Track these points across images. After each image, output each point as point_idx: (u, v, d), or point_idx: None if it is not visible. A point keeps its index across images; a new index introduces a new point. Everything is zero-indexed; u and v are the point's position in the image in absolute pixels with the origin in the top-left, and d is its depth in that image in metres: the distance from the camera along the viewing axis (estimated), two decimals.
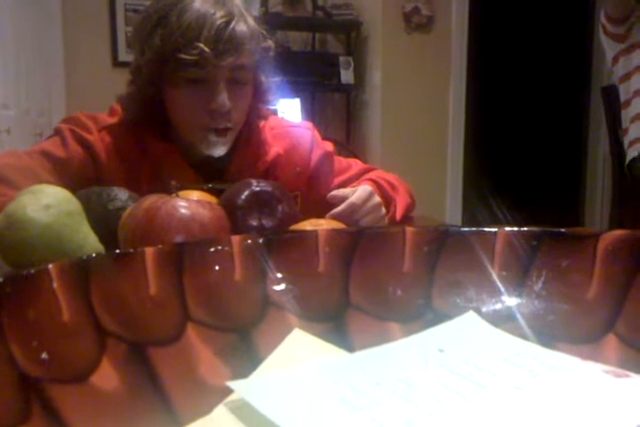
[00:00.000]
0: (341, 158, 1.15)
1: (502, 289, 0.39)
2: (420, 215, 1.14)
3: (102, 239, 0.60)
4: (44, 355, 0.29)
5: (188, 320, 0.35)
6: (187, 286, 0.36)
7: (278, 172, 1.03)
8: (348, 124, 3.67)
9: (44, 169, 0.91)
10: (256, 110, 1.01)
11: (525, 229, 0.41)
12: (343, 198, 0.90)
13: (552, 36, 4.18)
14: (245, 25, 0.91)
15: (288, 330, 0.37)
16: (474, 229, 0.42)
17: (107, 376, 0.30)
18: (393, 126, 3.39)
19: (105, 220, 0.64)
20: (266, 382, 0.31)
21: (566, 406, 0.28)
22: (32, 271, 0.32)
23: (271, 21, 1.03)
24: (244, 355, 0.35)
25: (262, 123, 1.05)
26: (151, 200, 0.56)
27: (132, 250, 0.36)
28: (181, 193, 0.66)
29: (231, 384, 0.30)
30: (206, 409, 0.30)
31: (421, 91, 3.41)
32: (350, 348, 0.36)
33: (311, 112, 3.49)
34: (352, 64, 3.50)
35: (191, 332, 0.35)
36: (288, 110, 3.17)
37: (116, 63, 3.34)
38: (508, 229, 0.41)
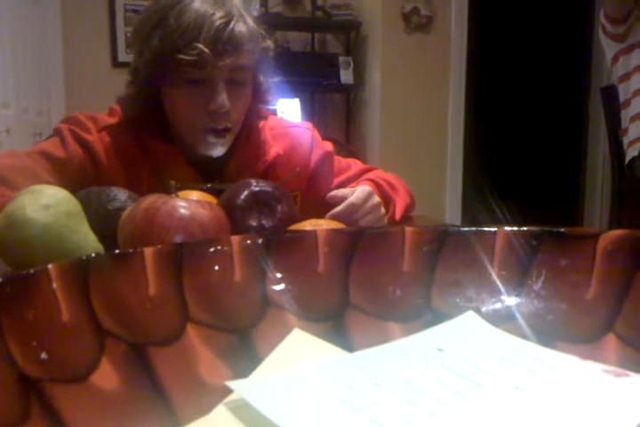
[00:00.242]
0: (341, 158, 1.15)
1: (502, 289, 0.39)
2: (419, 215, 1.14)
3: (102, 239, 0.60)
4: (43, 355, 0.29)
5: (188, 320, 0.35)
6: (186, 287, 0.36)
7: (278, 172, 1.03)
8: (347, 124, 3.68)
9: (43, 169, 0.91)
10: (256, 110, 1.01)
11: (525, 228, 0.41)
12: (343, 198, 0.90)
13: (551, 36, 4.18)
14: (244, 25, 0.91)
15: (288, 330, 0.37)
16: (473, 228, 0.42)
17: (106, 376, 0.30)
18: (392, 126, 3.39)
19: (104, 220, 0.64)
20: (265, 381, 0.31)
21: (566, 405, 0.28)
22: (31, 271, 0.32)
23: (271, 22, 1.04)
24: (244, 355, 0.35)
25: (262, 123, 1.05)
26: (150, 200, 0.56)
27: (131, 250, 0.36)
28: (181, 193, 0.66)
29: (231, 384, 0.30)
30: (206, 409, 0.30)
31: (421, 91, 3.41)
32: (350, 348, 0.36)
33: (311, 112, 3.49)
34: (351, 64, 3.50)
35: (191, 332, 0.35)
36: (287, 110, 3.17)
37: (116, 63, 3.34)
38: (507, 228, 0.41)
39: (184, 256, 0.37)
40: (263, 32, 0.96)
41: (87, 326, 0.32)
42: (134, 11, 3.30)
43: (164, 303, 0.35)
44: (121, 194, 0.70)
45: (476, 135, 3.69)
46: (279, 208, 0.67)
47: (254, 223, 0.65)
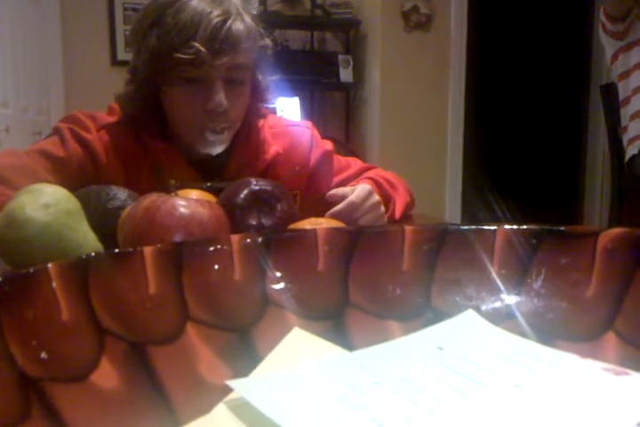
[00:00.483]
0: (340, 157, 1.15)
1: (502, 287, 0.39)
2: (419, 214, 1.14)
3: (101, 238, 0.60)
4: (43, 354, 0.29)
5: (188, 319, 0.35)
6: (186, 285, 0.36)
7: (278, 171, 1.03)
8: (347, 122, 3.68)
9: (42, 168, 0.91)
10: (255, 109, 1.01)
11: (525, 227, 0.41)
12: (342, 197, 0.90)
13: (551, 34, 4.18)
14: (242, 24, 0.90)
15: (288, 329, 0.37)
16: (473, 227, 0.42)
17: (106, 375, 0.30)
18: (392, 125, 3.39)
19: (104, 219, 0.64)
20: (265, 380, 0.31)
21: (566, 404, 0.28)
22: (31, 271, 0.32)
23: (270, 20, 1.03)
24: (244, 354, 0.35)
25: (261, 122, 1.05)
26: (150, 199, 0.56)
27: (131, 249, 0.36)
28: (180, 192, 0.66)
29: (231, 383, 0.30)
30: (206, 408, 0.30)
31: (420, 89, 3.41)
32: (350, 346, 0.36)
33: (310, 111, 3.49)
34: (351, 63, 3.50)
35: (191, 331, 0.35)
36: (287, 109, 3.17)
37: (115, 62, 3.34)
38: (507, 227, 0.41)
39: (184, 255, 0.37)
40: (261, 30, 0.95)
41: (87, 325, 0.32)
42: (133, 9, 3.29)
43: (164, 302, 0.35)
44: (120, 193, 0.70)
45: (475, 133, 3.69)
46: (279, 207, 0.67)
47: (254, 222, 0.65)
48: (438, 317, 0.38)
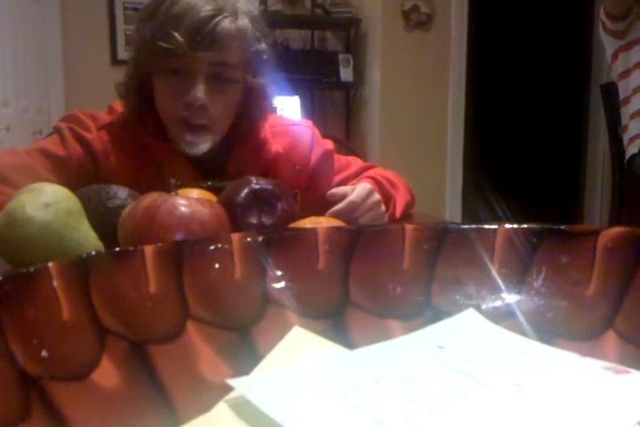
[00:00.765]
0: (341, 156, 1.15)
1: (502, 286, 0.39)
2: (419, 213, 1.14)
3: (102, 237, 0.60)
4: (44, 353, 0.29)
5: (188, 318, 0.35)
6: (186, 284, 0.36)
7: (278, 170, 1.03)
8: (347, 121, 3.68)
9: (43, 167, 0.91)
10: (253, 110, 1.00)
11: (525, 226, 0.41)
12: (343, 196, 0.90)
13: (551, 32, 4.17)
14: (234, 23, 0.90)
15: (288, 328, 0.37)
16: (473, 226, 0.42)
17: (107, 374, 0.30)
18: (392, 124, 3.39)
19: (104, 218, 0.64)
20: (266, 379, 0.31)
21: (566, 402, 0.28)
22: (32, 270, 0.32)
23: (270, 19, 1.02)
24: (244, 352, 0.35)
25: (262, 121, 1.05)
26: (151, 198, 0.56)
27: (131, 248, 0.36)
28: (181, 191, 0.66)
29: (231, 382, 0.30)
30: (206, 407, 0.30)
31: (421, 88, 3.40)
32: (350, 345, 0.36)
33: (310, 110, 3.49)
34: (351, 62, 3.50)
35: (191, 329, 0.35)
36: (287, 108, 3.17)
37: (115, 61, 3.34)
38: (507, 226, 0.41)
39: (184, 254, 0.37)
40: (259, 33, 0.94)
41: (88, 323, 0.32)
42: (134, 9, 3.30)
43: (165, 301, 0.35)
44: (121, 192, 0.70)
45: (475, 133, 3.69)
46: (279, 206, 0.67)
47: (254, 221, 0.65)
48: (438, 315, 0.39)
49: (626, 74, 2.06)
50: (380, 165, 1.18)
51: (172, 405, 0.30)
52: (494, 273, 0.40)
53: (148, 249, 0.36)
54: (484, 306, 0.39)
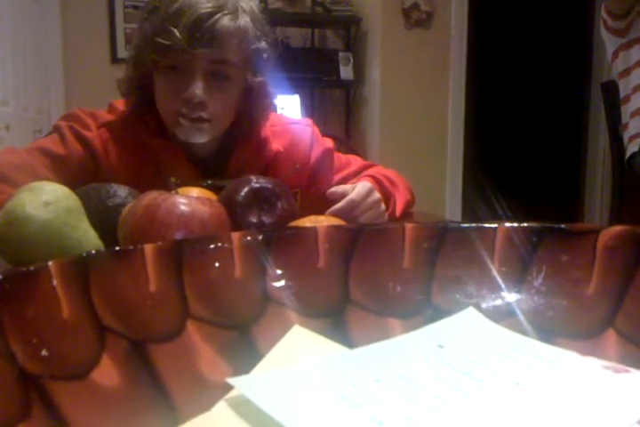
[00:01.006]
0: (341, 155, 1.15)
1: (502, 285, 0.39)
2: (419, 211, 1.14)
3: (102, 236, 0.60)
4: (44, 352, 0.29)
5: (188, 317, 0.35)
6: (186, 283, 0.36)
7: (278, 169, 1.03)
8: (347, 120, 3.67)
9: (43, 166, 0.91)
10: (253, 108, 1.00)
11: (525, 224, 0.41)
12: (343, 195, 0.90)
13: (551, 31, 4.17)
14: (234, 21, 0.90)
15: (288, 326, 0.37)
16: (473, 224, 0.42)
17: (107, 373, 0.30)
18: (392, 122, 3.39)
19: (104, 216, 0.64)
20: (266, 378, 0.31)
21: (566, 401, 0.28)
22: (32, 268, 0.32)
23: (270, 18, 1.02)
24: (244, 351, 0.35)
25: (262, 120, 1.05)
26: (151, 197, 0.56)
27: (131, 247, 0.36)
28: (181, 190, 0.66)
29: (231, 381, 0.30)
30: (206, 406, 0.30)
31: (421, 87, 3.40)
32: (350, 344, 0.36)
33: (310, 108, 3.49)
34: (351, 60, 3.49)
35: (191, 328, 0.35)
36: (287, 106, 3.17)
37: (115, 60, 3.33)
38: (507, 224, 0.41)
39: (184, 253, 0.37)
40: (259, 33, 0.94)
41: (88, 322, 0.32)
42: (134, 7, 3.29)
43: (165, 300, 0.35)
44: (121, 190, 0.70)
45: (476, 131, 3.69)
46: (279, 205, 0.67)
47: (254, 220, 0.65)
48: (438, 314, 0.39)
49: (626, 72, 2.06)
50: (380, 163, 1.18)
51: (172, 404, 0.30)
52: (494, 272, 0.40)
53: (148, 248, 0.36)
54: (484, 305, 0.39)
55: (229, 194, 0.67)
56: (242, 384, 0.30)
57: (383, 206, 0.96)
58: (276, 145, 1.04)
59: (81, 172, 0.93)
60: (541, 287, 0.39)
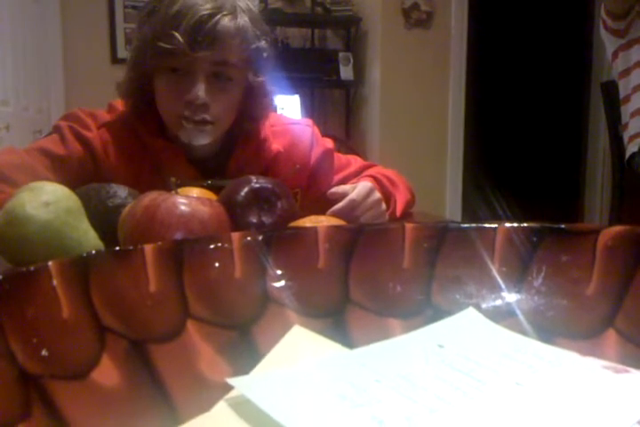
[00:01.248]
0: (341, 155, 1.15)
1: (502, 285, 0.39)
2: (419, 211, 1.14)
3: (102, 236, 0.60)
4: (44, 352, 0.29)
5: (188, 317, 0.35)
6: (187, 283, 0.36)
7: (278, 169, 1.03)
8: (347, 120, 3.67)
9: (43, 166, 0.91)
10: (253, 108, 1.00)
11: (525, 224, 0.41)
12: (343, 195, 0.90)
13: (551, 31, 4.17)
14: (234, 21, 0.90)
15: (288, 326, 0.37)
16: (474, 224, 0.42)
17: (107, 373, 0.30)
18: (392, 122, 3.39)
19: (104, 216, 0.64)
20: (266, 378, 0.31)
21: (566, 401, 0.28)
22: (31, 268, 0.32)
23: (270, 18, 1.02)
24: (244, 351, 0.35)
25: (262, 120, 1.05)
26: (151, 197, 0.56)
27: (131, 247, 0.36)
28: (181, 190, 0.66)
29: (231, 381, 0.30)
30: (206, 406, 0.30)
31: (421, 87, 3.40)
32: (350, 344, 0.36)
33: (310, 108, 3.49)
34: (351, 60, 3.50)
35: (191, 328, 0.35)
36: (287, 107, 3.17)
37: (115, 60, 3.33)
38: (507, 224, 0.41)
39: (184, 253, 0.37)
40: (258, 32, 0.94)
41: (88, 322, 0.32)
42: (133, 7, 3.29)
43: (165, 300, 0.35)
44: (121, 191, 0.70)
45: (476, 131, 3.69)
46: (279, 205, 0.67)
47: (254, 220, 0.65)
48: (439, 314, 0.38)
49: (626, 72, 2.06)
50: (380, 163, 1.18)
51: (172, 404, 0.30)
52: (494, 272, 0.40)
53: (148, 248, 0.36)
54: (484, 305, 0.39)
55: (229, 194, 0.67)
56: (242, 384, 0.30)
57: (384, 206, 0.96)
58: (276, 145, 1.04)
59: (81, 172, 0.93)
60: (541, 287, 0.39)
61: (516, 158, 4.24)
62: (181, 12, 0.87)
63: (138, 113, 0.98)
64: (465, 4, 3.42)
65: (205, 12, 0.87)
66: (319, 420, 0.27)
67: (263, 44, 0.96)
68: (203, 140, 0.94)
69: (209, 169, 0.99)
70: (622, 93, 2.10)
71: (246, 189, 0.66)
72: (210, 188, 0.72)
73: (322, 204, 0.90)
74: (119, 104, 1.01)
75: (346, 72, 3.48)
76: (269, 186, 0.67)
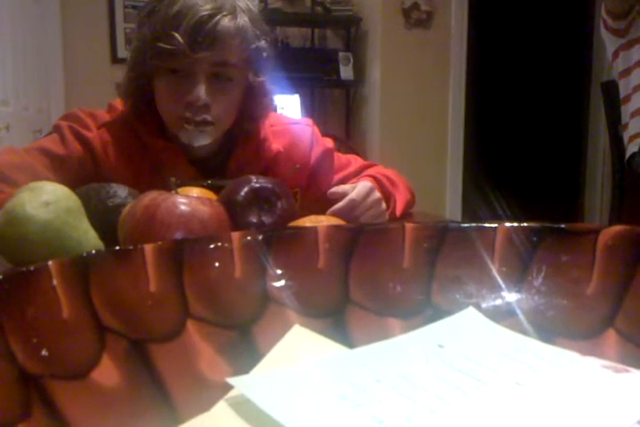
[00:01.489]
0: (341, 155, 1.15)
1: (502, 285, 0.39)
2: (419, 211, 1.14)
3: (102, 236, 0.60)
4: (43, 352, 0.29)
5: (188, 317, 0.35)
6: (187, 283, 0.36)
7: (278, 169, 1.03)
8: (347, 119, 3.67)
9: (42, 166, 0.91)
10: (253, 108, 1.00)
11: (525, 224, 0.41)
12: (343, 195, 0.90)
13: (552, 31, 4.17)
14: (233, 21, 0.90)
15: (288, 326, 0.37)
16: (474, 224, 0.42)
17: (107, 373, 0.30)
18: (392, 122, 3.39)
19: (104, 216, 0.64)
20: (266, 378, 0.31)
21: (566, 401, 0.28)
22: (31, 268, 0.32)
23: (270, 17, 1.02)
24: (244, 351, 0.35)
25: (262, 120, 1.05)
26: (151, 197, 0.56)
27: (131, 247, 0.36)
28: (181, 190, 0.66)
29: (231, 380, 0.30)
30: (206, 405, 0.30)
31: (421, 86, 3.40)
32: (350, 344, 0.36)
33: (310, 108, 3.49)
34: (351, 60, 3.50)
35: (191, 328, 0.35)
36: (287, 106, 3.17)
37: (115, 60, 3.33)
38: (507, 224, 0.41)
39: (184, 253, 0.37)
40: (258, 32, 0.94)
41: (87, 322, 0.32)
42: (134, 7, 3.29)
43: (165, 300, 0.35)
44: (121, 190, 0.70)
45: (476, 131, 3.69)
46: (279, 205, 0.67)
47: (254, 220, 0.65)
48: (438, 314, 0.38)
49: (626, 72, 2.06)
50: (380, 163, 1.17)
51: (172, 403, 0.30)
52: (494, 272, 0.40)
53: (148, 248, 0.36)
54: (484, 305, 0.39)
55: (229, 194, 0.67)
56: (242, 384, 0.30)
57: (384, 206, 0.96)
58: (276, 145, 1.04)
59: (81, 172, 0.93)
60: (541, 287, 0.39)
61: (516, 158, 4.24)
62: (181, 12, 0.87)
63: (138, 113, 0.97)
64: (465, 4, 3.42)
65: (205, 13, 0.87)
66: (319, 420, 0.27)
67: (263, 43, 0.95)
68: (203, 140, 0.94)
69: (209, 169, 0.99)
70: (622, 93, 2.10)
71: (246, 189, 0.66)
72: (210, 188, 0.72)
73: (322, 203, 0.90)
74: (119, 104, 1.01)
75: (346, 72, 3.48)
76: (269, 186, 0.67)
